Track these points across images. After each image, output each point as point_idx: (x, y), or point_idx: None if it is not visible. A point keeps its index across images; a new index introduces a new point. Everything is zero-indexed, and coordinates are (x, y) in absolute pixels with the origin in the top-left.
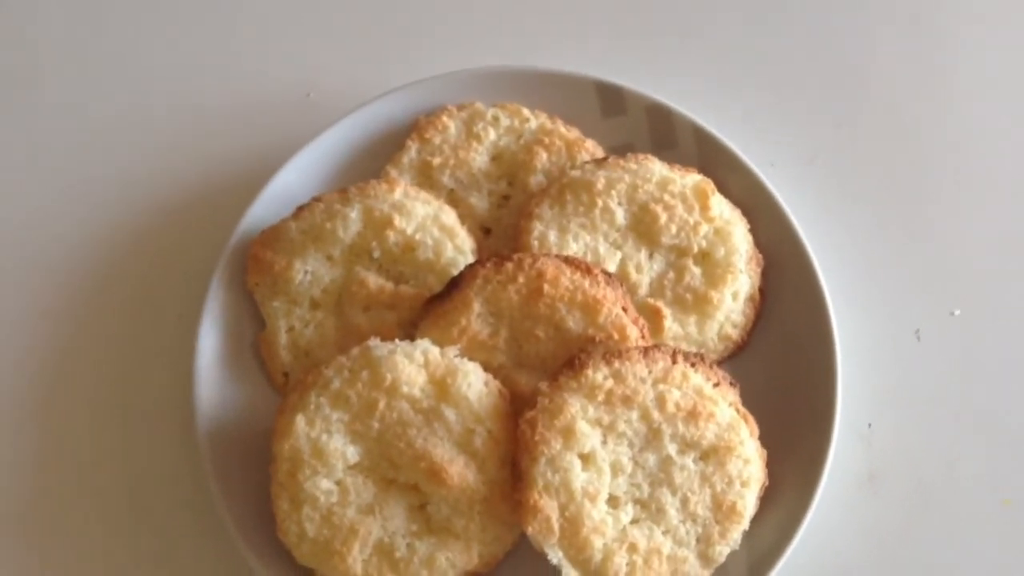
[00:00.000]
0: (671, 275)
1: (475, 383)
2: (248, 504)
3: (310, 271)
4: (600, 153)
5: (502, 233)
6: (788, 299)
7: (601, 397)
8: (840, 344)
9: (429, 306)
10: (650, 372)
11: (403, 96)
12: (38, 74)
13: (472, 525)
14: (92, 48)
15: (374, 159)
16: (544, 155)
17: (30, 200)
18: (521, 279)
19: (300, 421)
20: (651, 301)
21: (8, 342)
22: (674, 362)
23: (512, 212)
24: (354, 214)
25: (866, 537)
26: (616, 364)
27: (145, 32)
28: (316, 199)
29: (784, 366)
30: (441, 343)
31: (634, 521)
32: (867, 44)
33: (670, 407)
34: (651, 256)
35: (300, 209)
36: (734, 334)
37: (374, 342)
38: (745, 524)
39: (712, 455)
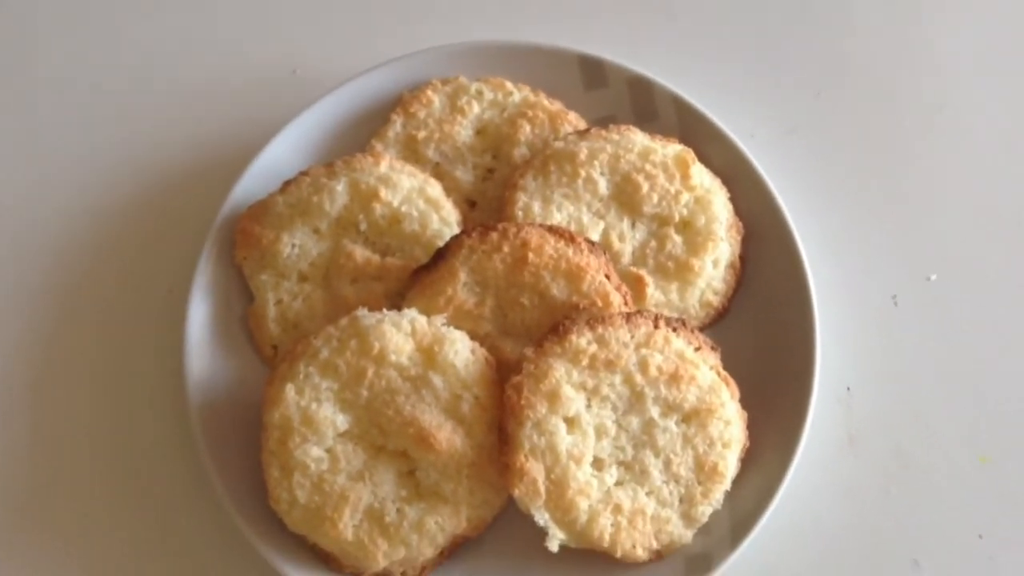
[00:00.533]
0: (653, 243)
1: (462, 351)
2: (240, 474)
3: (298, 244)
4: (583, 125)
5: (487, 206)
6: (768, 266)
7: (585, 362)
8: (819, 310)
9: (415, 277)
10: (633, 337)
11: (388, 71)
12: (25, 55)
13: (460, 489)
14: (81, 26)
15: (360, 133)
16: (528, 128)
17: (20, 177)
18: (506, 248)
19: (290, 390)
20: (634, 269)
21: None
22: (656, 327)
23: (497, 185)
24: (340, 187)
25: (846, 498)
26: (600, 329)
27: (133, 10)
28: (303, 173)
29: (764, 332)
30: (428, 312)
31: (618, 483)
32: (845, 15)
33: (652, 371)
34: (633, 225)
35: (287, 183)
36: (715, 301)
37: (362, 312)
38: (727, 484)
39: (694, 417)
